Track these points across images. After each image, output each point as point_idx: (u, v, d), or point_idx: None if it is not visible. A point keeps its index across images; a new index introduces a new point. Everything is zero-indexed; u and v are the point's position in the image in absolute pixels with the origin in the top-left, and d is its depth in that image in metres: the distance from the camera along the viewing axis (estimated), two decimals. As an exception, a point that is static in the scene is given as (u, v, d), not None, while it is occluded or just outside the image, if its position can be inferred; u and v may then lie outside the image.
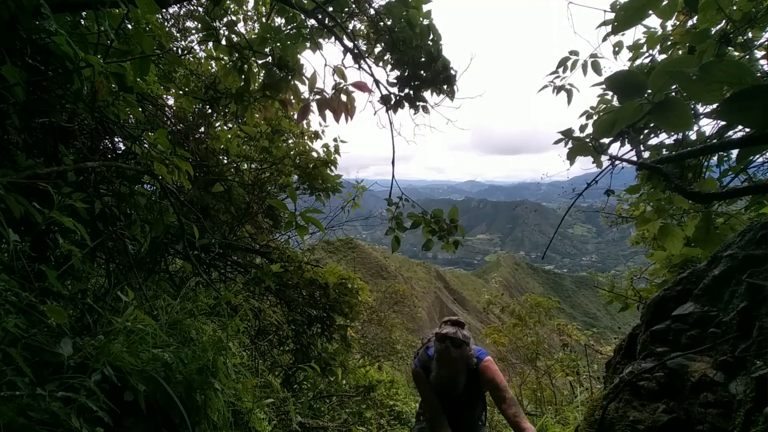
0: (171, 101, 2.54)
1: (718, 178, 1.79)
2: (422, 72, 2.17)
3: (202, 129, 2.62)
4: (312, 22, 2.03)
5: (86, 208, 1.18)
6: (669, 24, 2.25)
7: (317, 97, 2.02)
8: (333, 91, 2.02)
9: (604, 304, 3.17)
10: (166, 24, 3.23)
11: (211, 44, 2.07)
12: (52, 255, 1.22)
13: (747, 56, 1.51)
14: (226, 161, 2.81)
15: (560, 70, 2.57)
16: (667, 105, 0.72)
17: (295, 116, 3.14)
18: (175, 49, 2.95)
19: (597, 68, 2.47)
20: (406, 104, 2.25)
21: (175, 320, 1.12)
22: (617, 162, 1.74)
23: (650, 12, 0.98)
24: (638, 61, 2.44)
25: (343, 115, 2.01)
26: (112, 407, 0.75)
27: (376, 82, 2.17)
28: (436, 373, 2.05)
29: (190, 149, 2.27)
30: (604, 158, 1.73)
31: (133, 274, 1.43)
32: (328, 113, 2.03)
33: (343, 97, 2.00)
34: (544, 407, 3.97)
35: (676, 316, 0.65)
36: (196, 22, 3.30)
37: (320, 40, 2.10)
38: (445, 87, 2.22)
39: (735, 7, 1.48)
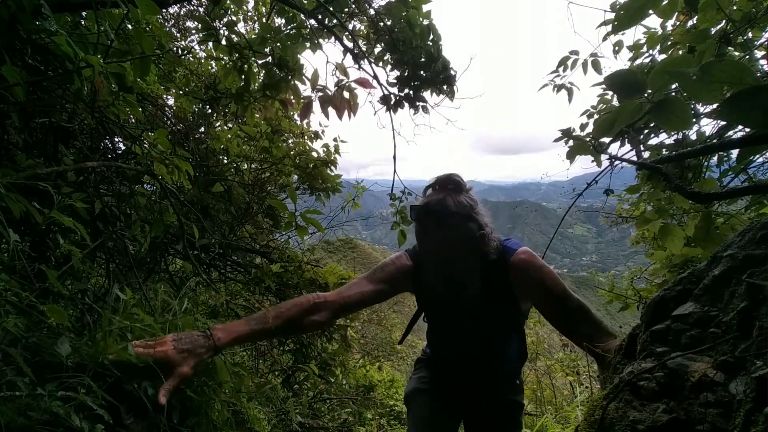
0: (171, 101, 2.54)
1: (718, 178, 1.78)
2: (422, 72, 2.17)
3: (202, 129, 2.62)
4: (312, 22, 2.03)
5: (86, 208, 1.18)
6: (669, 24, 2.25)
7: (320, 94, 2.01)
8: (335, 88, 2.01)
9: (604, 304, 3.17)
10: (166, 24, 3.23)
11: (211, 44, 2.07)
12: (52, 255, 1.22)
13: (747, 56, 1.51)
14: (226, 161, 2.81)
15: (560, 69, 2.57)
16: (667, 104, 0.72)
17: (296, 116, 3.14)
18: (175, 49, 2.95)
19: (597, 67, 2.47)
20: (406, 104, 2.25)
21: (174, 320, 1.12)
22: (617, 162, 1.74)
23: (650, 12, 0.98)
24: (638, 61, 2.44)
25: (346, 112, 2.01)
26: (113, 403, 0.75)
27: (378, 82, 2.18)
28: (425, 271, 1.28)
29: (190, 149, 2.27)
30: (603, 158, 1.73)
31: (133, 274, 1.43)
32: (331, 111, 2.02)
33: (346, 94, 2.00)
34: (544, 407, 3.97)
35: (676, 316, 0.65)
36: (196, 22, 3.30)
37: (320, 40, 2.10)
38: (445, 87, 2.22)
39: (735, 7, 1.48)
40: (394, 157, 2.33)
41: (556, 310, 1.17)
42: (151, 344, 0.87)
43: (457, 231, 1.19)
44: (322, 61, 2.07)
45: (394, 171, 2.36)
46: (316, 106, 2.05)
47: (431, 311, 1.45)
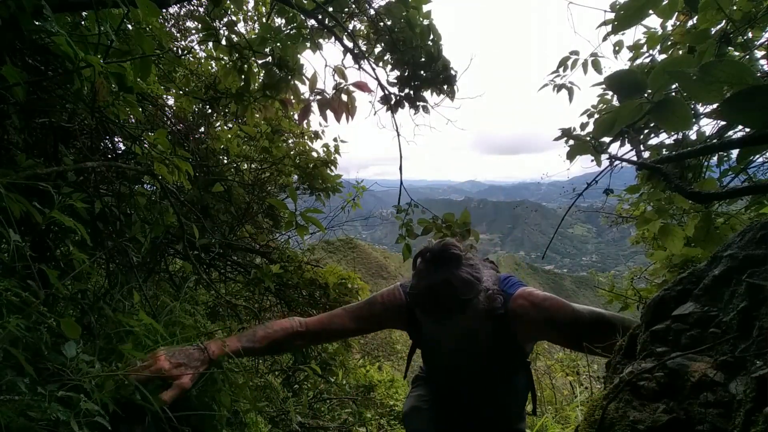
0: (171, 101, 2.54)
1: (718, 178, 1.78)
2: (422, 72, 2.17)
3: (202, 129, 2.62)
4: (312, 22, 2.03)
5: (86, 208, 1.18)
6: (669, 24, 2.25)
7: (318, 97, 2.02)
8: (333, 91, 2.02)
9: (604, 304, 3.17)
10: (166, 24, 3.23)
11: (211, 44, 2.07)
12: (52, 255, 1.22)
13: (747, 56, 1.51)
14: (226, 161, 2.81)
15: (561, 69, 2.57)
16: (667, 104, 0.72)
17: (296, 116, 3.14)
18: (175, 49, 2.95)
19: (597, 67, 2.48)
20: (407, 104, 2.25)
21: (174, 320, 1.12)
22: (617, 162, 1.74)
23: (650, 12, 0.98)
24: (638, 61, 2.44)
25: (344, 115, 2.01)
26: (115, 409, 0.75)
27: (378, 82, 2.18)
28: (429, 337, 1.25)
29: (190, 149, 2.27)
30: (603, 158, 1.73)
31: (133, 274, 1.43)
32: (329, 114, 2.03)
33: (344, 97, 2.00)
34: (544, 407, 3.97)
35: (676, 316, 0.65)
36: (196, 22, 3.30)
37: (320, 41, 2.10)
38: (445, 87, 2.22)
39: (735, 7, 1.48)
40: (401, 168, 2.30)
41: (574, 334, 1.07)
42: (146, 365, 0.88)
43: (471, 320, 1.10)
44: (322, 63, 2.07)
45: (401, 182, 2.31)
46: (315, 108, 2.05)
47: (428, 355, 1.43)
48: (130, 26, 1.38)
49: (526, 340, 1.22)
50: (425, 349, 1.40)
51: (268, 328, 1.18)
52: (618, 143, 2.05)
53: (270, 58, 2.01)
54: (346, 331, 1.28)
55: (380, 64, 2.24)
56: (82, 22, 1.40)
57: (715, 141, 1.75)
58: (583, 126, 2.46)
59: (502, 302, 1.14)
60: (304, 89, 2.11)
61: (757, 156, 1.59)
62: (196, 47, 2.99)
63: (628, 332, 0.97)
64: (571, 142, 1.93)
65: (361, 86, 2.00)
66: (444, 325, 1.12)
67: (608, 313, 1.06)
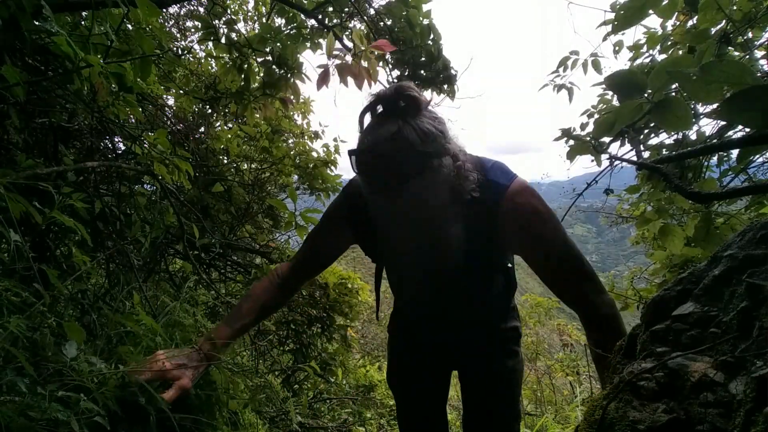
0: (171, 101, 2.54)
1: (718, 178, 1.78)
2: (422, 71, 2.17)
3: (202, 129, 2.63)
4: (312, 22, 2.03)
5: (86, 208, 1.18)
6: (669, 24, 2.25)
7: (337, 62, 1.87)
8: (352, 58, 1.88)
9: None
10: (166, 24, 3.23)
11: (210, 44, 2.07)
12: (52, 255, 1.22)
13: (747, 56, 1.51)
14: (226, 161, 2.81)
15: (561, 69, 2.57)
16: (667, 105, 0.72)
17: (296, 116, 3.14)
18: (175, 49, 2.95)
19: (597, 67, 2.48)
20: (406, 104, 2.24)
21: (175, 321, 1.12)
22: (617, 162, 1.74)
23: (650, 12, 0.98)
24: (638, 61, 2.44)
25: (365, 81, 1.87)
26: (115, 410, 0.75)
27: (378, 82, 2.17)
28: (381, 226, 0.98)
29: (190, 149, 2.27)
30: (603, 158, 1.73)
31: (133, 274, 1.43)
32: (350, 80, 1.87)
33: (364, 63, 1.87)
34: (544, 407, 3.97)
35: (676, 316, 0.65)
36: (195, 22, 3.30)
37: (320, 40, 2.10)
38: (445, 87, 2.22)
39: (735, 7, 1.47)
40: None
41: (557, 272, 0.89)
42: (147, 366, 0.87)
43: (431, 181, 0.83)
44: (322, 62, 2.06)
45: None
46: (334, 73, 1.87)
47: (390, 266, 1.19)
48: (130, 26, 1.38)
49: (513, 247, 0.97)
50: (383, 252, 1.14)
51: (249, 297, 1.11)
52: (618, 143, 2.05)
53: (269, 56, 2.01)
54: (316, 256, 1.15)
55: (381, 63, 2.23)
56: (82, 22, 1.40)
57: (715, 141, 1.75)
58: (583, 126, 2.46)
59: (482, 186, 0.90)
60: (304, 88, 2.11)
61: (757, 156, 1.59)
62: (196, 47, 2.99)
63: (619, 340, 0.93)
64: (571, 142, 1.93)
65: (383, 46, 1.84)
66: (398, 207, 0.86)
67: (620, 323, 0.88)
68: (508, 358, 1.21)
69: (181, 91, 2.48)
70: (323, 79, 1.85)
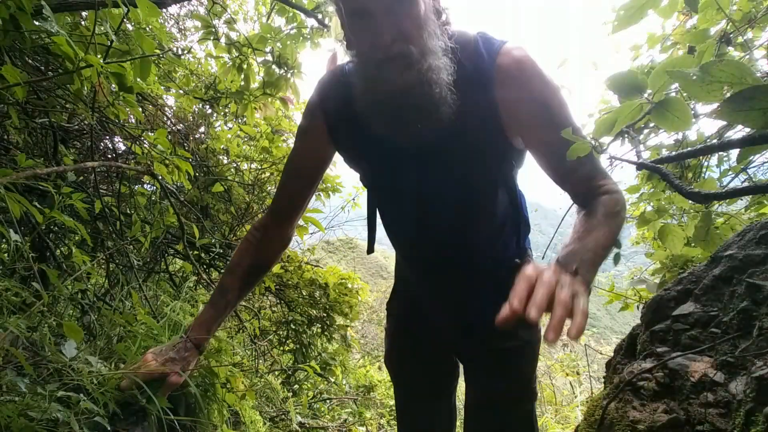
0: (171, 101, 2.54)
1: (718, 178, 1.78)
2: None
3: (202, 129, 2.62)
4: (312, 22, 2.03)
5: (86, 208, 1.18)
6: (669, 24, 2.25)
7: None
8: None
9: (604, 304, 3.16)
10: (166, 24, 3.23)
11: (210, 43, 2.07)
12: (52, 255, 1.22)
13: (747, 56, 1.51)
14: (226, 161, 2.81)
15: (560, 68, 2.57)
16: (667, 105, 0.72)
17: (296, 115, 3.13)
18: (175, 49, 2.95)
19: (597, 67, 2.48)
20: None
21: (175, 321, 1.12)
22: (617, 162, 1.74)
23: (650, 12, 0.98)
24: (638, 61, 2.44)
25: None
26: (115, 410, 0.75)
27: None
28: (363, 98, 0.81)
29: (190, 149, 2.27)
30: (603, 157, 1.73)
31: (133, 274, 1.43)
32: None
33: None
34: (544, 407, 3.97)
35: (676, 316, 0.65)
36: (195, 21, 3.30)
37: (320, 40, 2.10)
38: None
39: (735, 7, 1.48)
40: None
41: (556, 164, 0.82)
42: (135, 367, 0.86)
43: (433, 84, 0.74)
44: (322, 62, 2.07)
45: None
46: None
47: (379, 185, 1.06)
48: (130, 26, 1.38)
49: (509, 117, 0.82)
50: (375, 182, 1.05)
51: (230, 268, 1.02)
52: (618, 143, 2.04)
53: (269, 56, 2.01)
54: (297, 193, 1.03)
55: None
56: (82, 22, 1.40)
57: (715, 141, 1.75)
58: (583, 126, 2.46)
59: (472, 52, 0.80)
60: (304, 87, 2.11)
61: (757, 156, 1.59)
62: (196, 47, 2.99)
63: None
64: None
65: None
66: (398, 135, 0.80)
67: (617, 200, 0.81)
68: (523, 329, 0.90)
69: (181, 91, 2.48)
70: (332, 64, 1.85)
